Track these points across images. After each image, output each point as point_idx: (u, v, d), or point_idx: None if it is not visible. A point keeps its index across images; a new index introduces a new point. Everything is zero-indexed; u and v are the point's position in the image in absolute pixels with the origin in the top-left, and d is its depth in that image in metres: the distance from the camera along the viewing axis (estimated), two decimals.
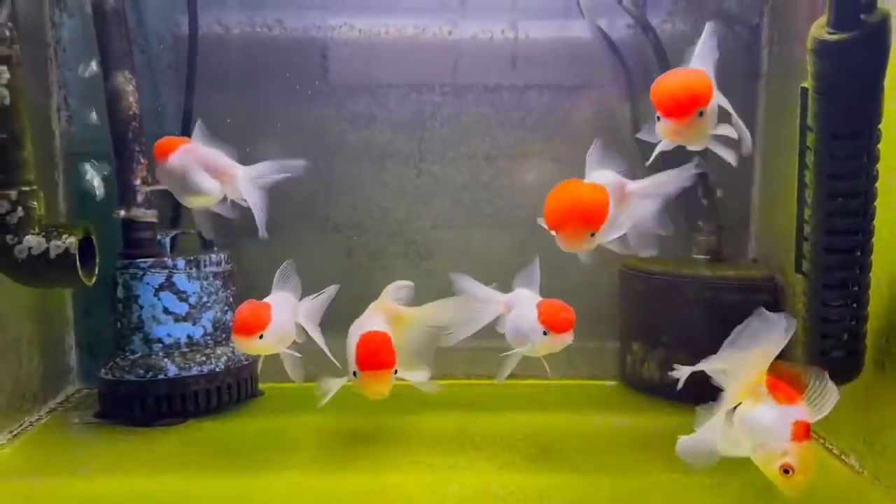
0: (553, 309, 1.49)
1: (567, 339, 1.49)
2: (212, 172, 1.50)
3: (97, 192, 1.93)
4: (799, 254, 1.46)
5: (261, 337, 1.44)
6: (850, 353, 1.41)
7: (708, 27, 1.25)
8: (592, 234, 1.30)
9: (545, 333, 1.47)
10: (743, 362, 1.19)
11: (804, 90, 1.36)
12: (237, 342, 1.48)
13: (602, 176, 1.35)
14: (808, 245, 1.40)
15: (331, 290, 1.61)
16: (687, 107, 1.16)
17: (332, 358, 1.57)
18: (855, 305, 1.39)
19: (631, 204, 1.36)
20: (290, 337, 1.54)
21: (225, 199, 1.56)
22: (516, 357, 1.58)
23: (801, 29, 1.80)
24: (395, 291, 1.59)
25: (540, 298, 1.55)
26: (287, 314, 1.53)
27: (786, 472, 1.14)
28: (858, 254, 1.37)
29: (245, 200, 1.53)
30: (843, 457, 1.63)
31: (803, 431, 1.14)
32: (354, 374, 1.41)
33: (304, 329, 1.59)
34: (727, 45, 2.07)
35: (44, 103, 2.02)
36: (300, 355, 1.56)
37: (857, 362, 1.42)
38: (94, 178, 1.60)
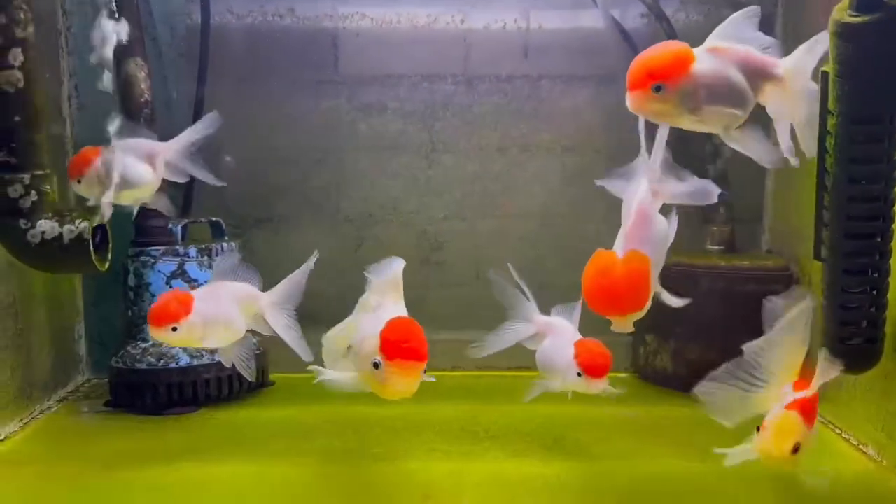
0: (592, 353, 1.42)
1: (602, 384, 1.42)
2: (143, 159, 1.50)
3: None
4: (818, 240, 1.45)
5: (174, 329, 1.31)
6: (870, 340, 1.39)
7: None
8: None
9: (579, 375, 1.41)
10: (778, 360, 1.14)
11: (825, 74, 1.35)
12: (151, 333, 1.34)
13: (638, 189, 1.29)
14: (828, 231, 1.39)
15: (304, 269, 1.40)
16: (638, 80, 1.12)
17: (304, 354, 1.41)
18: (875, 292, 1.37)
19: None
20: (229, 331, 1.37)
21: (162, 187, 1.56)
22: (544, 387, 1.52)
23: (816, 19, 1.79)
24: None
25: (578, 335, 1.47)
26: (221, 306, 1.36)
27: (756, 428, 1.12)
28: (879, 239, 1.36)
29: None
30: (861, 447, 1.61)
31: (801, 405, 1.10)
32: (376, 365, 1.18)
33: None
34: None
35: (55, 91, 2.01)
36: (240, 351, 1.41)
37: (876, 350, 1.41)
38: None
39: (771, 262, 1.99)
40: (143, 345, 1.85)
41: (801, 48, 1.19)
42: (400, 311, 1.28)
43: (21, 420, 1.77)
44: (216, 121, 1.52)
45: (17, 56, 1.49)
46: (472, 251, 2.19)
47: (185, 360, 1.82)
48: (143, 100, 1.82)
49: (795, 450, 1.09)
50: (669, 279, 1.97)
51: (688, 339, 1.99)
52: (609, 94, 2.15)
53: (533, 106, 2.17)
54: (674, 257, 1.98)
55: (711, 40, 1.17)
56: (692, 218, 2.15)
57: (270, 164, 2.16)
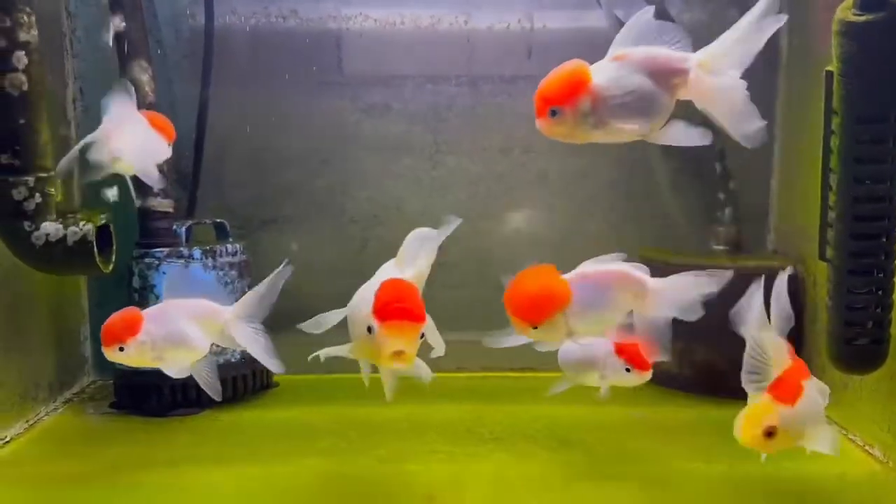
0: (636, 347, 1.40)
1: (648, 376, 1.42)
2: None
3: None
4: (823, 241, 1.44)
5: (121, 349, 1.28)
6: (875, 340, 1.39)
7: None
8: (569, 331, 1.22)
9: (628, 370, 1.41)
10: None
11: (829, 73, 1.34)
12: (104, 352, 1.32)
13: (618, 265, 1.28)
14: (833, 231, 1.38)
15: (272, 279, 1.33)
16: (538, 107, 1.14)
17: (274, 367, 1.37)
18: (880, 293, 1.37)
19: (650, 303, 1.25)
20: (186, 350, 1.33)
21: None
22: (571, 383, 1.51)
23: (821, 17, 1.78)
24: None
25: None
26: (174, 325, 1.31)
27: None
28: (884, 240, 1.35)
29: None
30: (867, 447, 1.61)
31: (776, 389, 1.14)
32: (369, 329, 1.13)
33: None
34: None
35: (60, 93, 2.02)
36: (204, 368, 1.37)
37: (882, 350, 1.40)
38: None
39: (777, 263, 1.98)
40: None
41: (720, 38, 1.15)
42: (396, 274, 1.23)
43: (26, 421, 1.78)
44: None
45: (20, 59, 1.49)
46: (476, 252, 2.19)
47: None
48: (147, 102, 1.82)
49: (769, 433, 1.12)
50: None
51: (693, 340, 1.98)
52: None
53: None
54: (679, 258, 1.99)
55: (614, 48, 1.15)
56: (697, 218, 2.15)
57: (275, 166, 2.16)
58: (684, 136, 1.18)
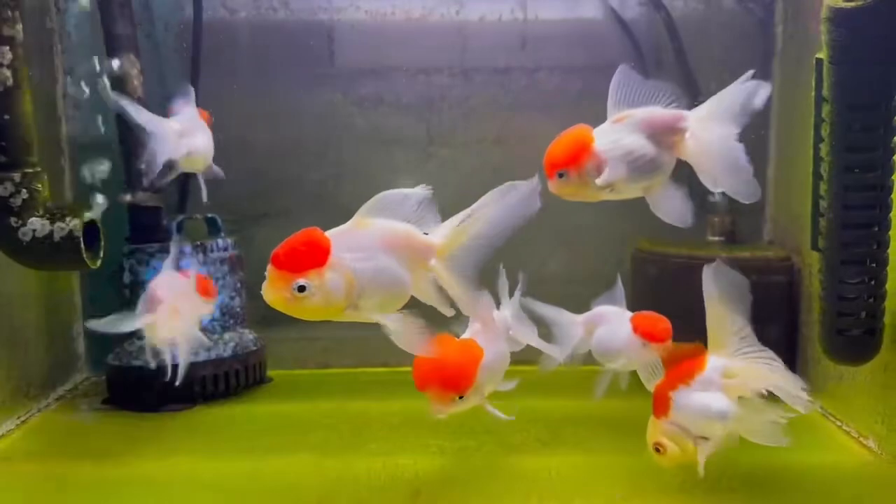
0: (649, 319, 1.44)
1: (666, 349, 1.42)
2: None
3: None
4: (815, 230, 1.43)
5: None
6: (869, 331, 1.38)
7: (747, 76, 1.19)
8: (461, 397, 1.28)
9: (644, 346, 1.43)
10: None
11: (819, 61, 1.33)
12: None
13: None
14: (825, 220, 1.37)
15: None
16: (547, 170, 1.21)
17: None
18: (873, 282, 1.36)
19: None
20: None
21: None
22: (609, 375, 1.52)
23: (815, 5, 1.76)
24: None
25: (628, 313, 1.48)
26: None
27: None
28: (876, 229, 1.34)
29: None
30: (861, 439, 1.59)
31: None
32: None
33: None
34: (740, 23, 2.04)
35: (49, 90, 2.01)
36: None
37: (875, 341, 1.39)
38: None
39: (772, 253, 1.97)
40: (140, 342, 1.84)
41: (713, 98, 1.21)
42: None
43: (18, 418, 1.77)
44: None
45: (4, 54, 1.48)
46: None
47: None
48: (136, 96, 1.81)
49: (657, 449, 1.22)
50: (669, 271, 1.98)
51: (687, 331, 1.96)
52: (607, 84, 2.12)
53: (531, 97, 2.15)
54: (673, 248, 1.98)
55: (612, 111, 1.23)
56: (693, 208, 2.12)
57: (267, 160, 2.15)
58: (674, 206, 1.28)
